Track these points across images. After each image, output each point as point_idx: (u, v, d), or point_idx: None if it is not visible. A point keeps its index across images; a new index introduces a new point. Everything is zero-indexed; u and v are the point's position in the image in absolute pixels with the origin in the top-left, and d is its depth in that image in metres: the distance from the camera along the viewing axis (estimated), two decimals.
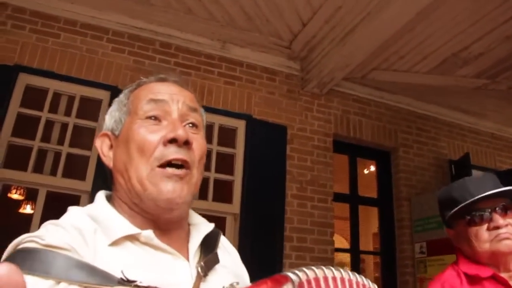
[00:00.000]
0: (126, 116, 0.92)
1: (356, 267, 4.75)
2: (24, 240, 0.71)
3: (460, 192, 1.53)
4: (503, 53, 4.17)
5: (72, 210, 0.85)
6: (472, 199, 1.45)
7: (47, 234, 0.72)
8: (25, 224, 3.50)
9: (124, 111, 0.94)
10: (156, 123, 0.89)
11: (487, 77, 4.61)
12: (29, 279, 0.63)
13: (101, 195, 0.93)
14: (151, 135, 0.86)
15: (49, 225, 0.78)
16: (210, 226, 0.96)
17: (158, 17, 4.01)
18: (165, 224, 0.88)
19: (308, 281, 0.68)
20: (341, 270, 0.75)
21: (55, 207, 4.12)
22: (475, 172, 4.98)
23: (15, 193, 6.57)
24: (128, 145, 0.87)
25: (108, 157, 0.93)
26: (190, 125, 0.93)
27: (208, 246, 0.92)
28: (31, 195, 6.62)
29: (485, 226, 1.47)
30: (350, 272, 0.76)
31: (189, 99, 0.95)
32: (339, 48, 4.00)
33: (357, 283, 0.77)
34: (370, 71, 4.60)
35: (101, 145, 0.95)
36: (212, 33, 4.19)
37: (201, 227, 0.95)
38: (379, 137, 4.87)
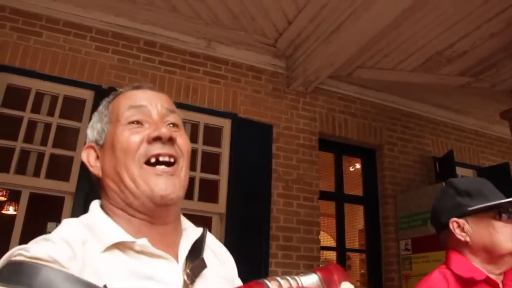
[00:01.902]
0: (109, 125, 0.96)
1: (342, 264, 4.77)
2: (14, 254, 0.73)
3: (486, 188, 1.56)
4: (487, 51, 4.21)
5: (65, 222, 0.87)
6: None
7: (33, 247, 0.74)
8: (8, 226, 3.45)
9: (106, 121, 0.97)
10: (139, 126, 0.93)
11: (471, 75, 4.65)
12: None
13: (95, 204, 0.95)
14: (134, 135, 0.91)
15: (40, 239, 0.79)
16: (199, 231, 0.98)
17: (142, 15, 3.97)
18: (161, 222, 0.90)
19: None
20: (314, 281, 0.76)
21: (39, 208, 4.08)
22: (460, 170, 5.04)
23: None
24: (114, 149, 0.91)
25: (96, 167, 0.96)
26: (171, 125, 0.97)
27: (195, 251, 0.93)
28: (14, 196, 6.52)
29: (511, 225, 1.50)
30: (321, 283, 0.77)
31: (166, 101, 1.00)
32: (324, 46, 4.00)
33: None
34: (355, 69, 4.61)
35: (88, 157, 0.98)
36: (197, 31, 4.16)
37: (190, 232, 0.97)
38: (365, 135, 4.90)
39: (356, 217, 6.96)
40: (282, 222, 4.06)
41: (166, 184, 0.88)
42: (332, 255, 5.00)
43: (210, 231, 3.44)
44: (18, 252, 0.73)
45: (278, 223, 4.04)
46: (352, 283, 0.81)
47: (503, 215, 1.49)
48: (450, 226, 1.56)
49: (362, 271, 7.92)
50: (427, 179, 5.02)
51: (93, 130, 1.00)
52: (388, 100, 5.15)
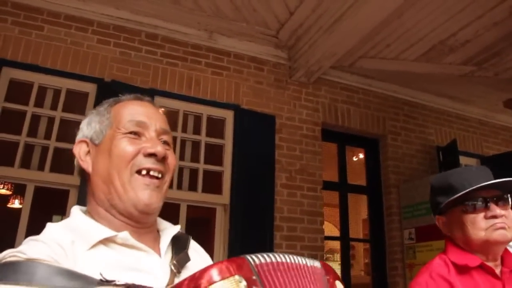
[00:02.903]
0: (108, 128, 1.03)
1: (346, 254, 4.79)
2: (7, 256, 0.77)
3: (459, 180, 1.56)
4: (490, 39, 4.18)
5: (50, 225, 0.93)
6: (476, 186, 1.47)
7: (28, 249, 0.79)
8: (13, 219, 3.48)
9: (106, 124, 1.04)
10: (136, 137, 1.01)
11: (474, 64, 4.63)
12: None
13: (76, 208, 1.02)
14: (131, 146, 0.99)
15: (30, 241, 0.85)
16: (177, 228, 1.07)
17: (144, 7, 3.96)
18: (140, 226, 0.99)
19: (269, 264, 0.73)
20: (299, 258, 0.81)
21: (44, 201, 4.10)
22: (463, 159, 5.03)
23: (3, 188, 6.52)
24: (111, 154, 0.99)
25: (85, 162, 1.04)
26: (164, 143, 1.05)
27: (179, 247, 1.02)
28: (19, 190, 6.57)
29: (482, 214, 1.49)
30: (306, 259, 0.82)
31: (163, 121, 1.08)
32: (326, 36, 3.98)
33: (312, 268, 0.82)
34: (358, 59, 4.59)
35: (79, 151, 1.06)
36: (199, 23, 4.16)
37: (169, 230, 1.05)
38: (367, 124, 4.89)
39: (359, 207, 6.99)
40: (286, 212, 4.08)
41: (151, 195, 0.96)
42: (336, 245, 5.03)
43: (214, 222, 3.45)
44: (12, 255, 0.77)
45: (282, 214, 4.05)
46: (343, 284, 0.88)
47: (471, 207, 1.51)
48: (436, 223, 1.66)
49: (366, 260, 7.96)
50: (431, 168, 5.02)
51: (90, 127, 1.06)
52: (390, 89, 5.14)
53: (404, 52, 4.49)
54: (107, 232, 0.91)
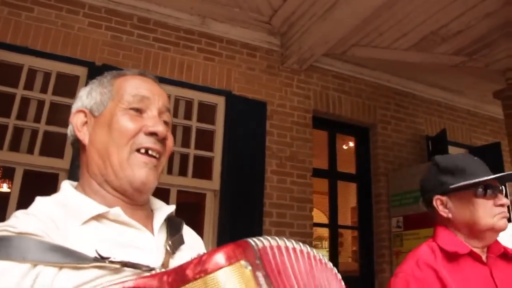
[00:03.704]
0: (109, 101, 0.99)
1: (335, 241, 4.84)
2: (3, 228, 0.76)
3: (471, 165, 1.61)
4: (482, 30, 4.21)
5: (39, 199, 0.90)
6: (499, 175, 1.55)
7: (19, 222, 0.77)
8: (2, 203, 3.46)
9: (108, 96, 1.00)
10: (138, 114, 0.98)
11: (465, 55, 4.65)
12: (5, 264, 0.70)
13: (66, 183, 0.99)
14: (132, 122, 0.96)
15: (19, 214, 0.83)
16: (171, 207, 1.05)
17: None
18: (132, 203, 0.96)
19: (271, 247, 0.73)
20: (300, 243, 0.81)
21: (33, 185, 4.08)
22: (452, 149, 5.07)
23: None
24: (111, 129, 0.95)
25: (82, 133, 1.00)
26: (165, 123, 1.02)
27: (173, 228, 1.01)
28: (7, 174, 6.52)
29: (492, 201, 1.54)
30: (307, 246, 0.83)
31: (166, 99, 1.04)
32: (319, 24, 3.98)
33: (314, 256, 0.83)
34: (350, 47, 4.59)
35: (76, 121, 1.01)
36: (191, 8, 4.12)
37: (163, 209, 1.03)
38: (358, 113, 4.91)
39: (348, 195, 7.04)
40: (275, 199, 4.10)
41: (148, 173, 0.94)
42: (324, 232, 5.07)
43: (204, 207, 3.46)
44: (2, 229, 0.76)
45: (271, 200, 4.08)
46: None
47: (482, 192, 1.55)
48: (434, 203, 1.63)
49: (354, 248, 8.04)
50: (420, 157, 5.07)
51: (90, 97, 1.02)
52: (382, 78, 5.16)
53: (396, 41, 4.50)
54: (99, 208, 0.89)
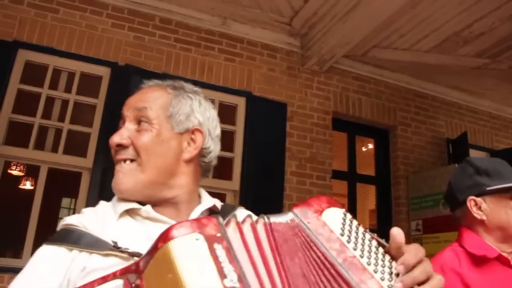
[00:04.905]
0: None
1: None
2: (60, 223, 0.97)
3: (507, 169, 1.60)
4: (505, 32, 4.14)
5: (101, 202, 1.05)
6: None
7: (69, 218, 0.97)
8: (25, 200, 3.53)
9: None
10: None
11: (488, 57, 4.59)
12: (53, 248, 0.90)
13: None
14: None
15: (77, 213, 1.02)
16: (210, 202, 1.09)
17: None
18: (152, 204, 1.01)
19: (241, 222, 0.74)
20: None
21: (55, 183, 4.14)
22: (473, 152, 5.01)
23: (15, 169, 6.58)
24: None
25: None
26: (139, 123, 1.04)
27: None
28: (30, 171, 6.65)
29: None
30: (297, 218, 0.79)
31: (138, 100, 1.06)
32: (340, 25, 3.97)
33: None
34: (371, 48, 4.58)
35: None
36: (213, 9, 4.15)
37: (204, 203, 1.08)
38: (378, 115, 4.89)
39: (367, 197, 6.98)
40: (295, 200, 4.10)
41: (120, 177, 1.00)
42: None
43: None
44: (61, 223, 0.96)
45: (291, 201, 4.08)
46: (340, 207, 0.81)
47: None
48: (468, 204, 1.58)
49: None
50: (440, 160, 5.02)
51: None
52: (402, 80, 5.12)
53: (417, 43, 4.46)
54: (129, 205, 0.99)
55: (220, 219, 0.70)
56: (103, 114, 3.62)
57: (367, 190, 6.38)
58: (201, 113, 1.11)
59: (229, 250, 0.65)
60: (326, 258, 0.72)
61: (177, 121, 1.05)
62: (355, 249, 0.74)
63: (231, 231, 0.70)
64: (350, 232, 0.77)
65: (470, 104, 5.56)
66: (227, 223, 0.71)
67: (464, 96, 5.49)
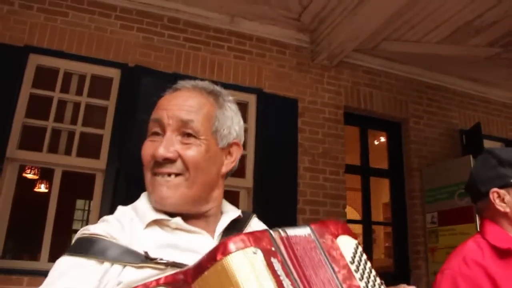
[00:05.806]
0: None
1: (368, 237, 4.80)
2: (81, 232, 0.91)
3: None
4: None
5: (118, 207, 1.02)
6: None
7: (93, 227, 0.91)
8: (41, 203, 3.56)
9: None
10: (155, 136, 1.01)
11: (500, 46, 4.53)
12: (79, 260, 0.84)
13: (144, 193, 1.05)
14: (148, 149, 1.00)
15: (100, 221, 0.96)
16: (236, 212, 1.07)
17: None
18: (187, 216, 0.98)
19: (294, 237, 0.76)
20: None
21: (69, 185, 4.17)
22: (487, 143, 4.95)
23: (30, 172, 6.65)
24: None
25: None
26: (186, 136, 0.99)
27: (235, 228, 1.03)
28: (44, 174, 6.72)
29: None
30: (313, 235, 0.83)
31: (181, 109, 1.00)
32: (349, 19, 3.94)
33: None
34: (381, 42, 4.54)
35: None
36: (221, 7, 4.14)
37: (230, 214, 1.06)
38: (390, 108, 4.85)
39: (380, 191, 6.96)
40: (308, 196, 4.09)
41: (165, 191, 0.96)
42: (358, 228, 5.02)
43: (237, 205, 3.47)
44: (82, 232, 0.90)
45: (304, 197, 4.07)
46: (354, 238, 0.86)
47: None
48: (490, 196, 1.55)
49: (387, 244, 7.95)
50: (453, 152, 4.97)
51: None
52: (413, 72, 5.08)
53: (428, 35, 4.41)
54: (161, 216, 0.96)
55: (271, 232, 0.72)
56: (114, 116, 3.64)
57: (380, 184, 6.35)
58: (237, 123, 1.10)
59: (284, 264, 0.68)
60: (333, 279, 0.75)
61: (221, 136, 1.03)
62: (360, 280, 0.78)
63: (281, 245, 0.72)
64: (359, 263, 0.81)
65: (483, 94, 5.49)
66: (281, 237, 0.73)
67: (476, 86, 5.43)
